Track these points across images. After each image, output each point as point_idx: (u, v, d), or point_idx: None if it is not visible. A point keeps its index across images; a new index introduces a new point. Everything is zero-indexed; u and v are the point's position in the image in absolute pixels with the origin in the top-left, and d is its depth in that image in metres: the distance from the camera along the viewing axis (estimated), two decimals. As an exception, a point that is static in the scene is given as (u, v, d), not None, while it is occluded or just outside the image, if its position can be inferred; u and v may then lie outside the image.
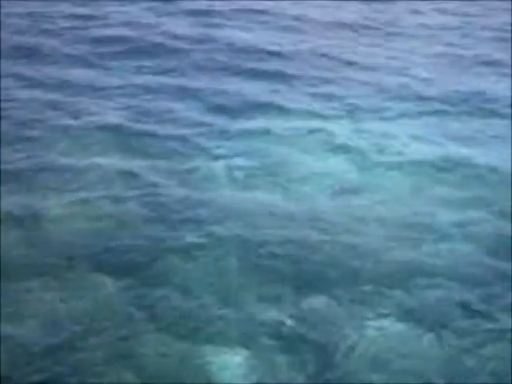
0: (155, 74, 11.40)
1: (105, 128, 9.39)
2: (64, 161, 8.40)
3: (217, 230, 7.10)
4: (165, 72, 11.46)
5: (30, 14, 14.08)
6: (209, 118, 9.76)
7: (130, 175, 8.15)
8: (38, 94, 10.44)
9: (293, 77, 11.31)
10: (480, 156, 8.86)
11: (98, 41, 12.74)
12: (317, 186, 8.03)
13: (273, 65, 11.84)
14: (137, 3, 15.06)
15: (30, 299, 6.04)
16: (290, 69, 11.68)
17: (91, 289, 6.18)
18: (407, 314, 5.99)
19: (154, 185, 7.96)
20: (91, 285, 6.24)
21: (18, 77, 11.01)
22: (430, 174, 8.46)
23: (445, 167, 8.62)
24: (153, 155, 8.70)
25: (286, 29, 13.72)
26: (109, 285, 6.25)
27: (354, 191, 7.96)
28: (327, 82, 11.19)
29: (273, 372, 5.37)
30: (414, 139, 9.32)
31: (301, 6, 15.32)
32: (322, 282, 6.38)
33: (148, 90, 10.71)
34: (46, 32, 13.09)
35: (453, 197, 7.93)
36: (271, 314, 5.96)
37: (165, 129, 9.41)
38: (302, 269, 6.53)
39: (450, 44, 13.18)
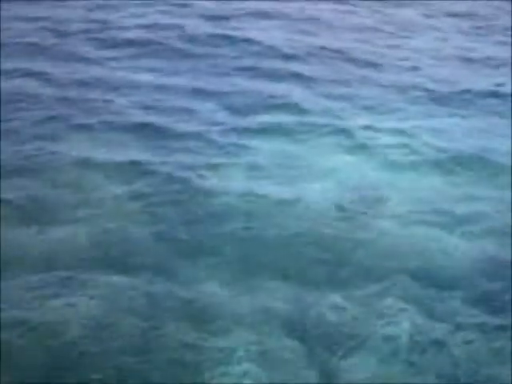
0: (172, 74, 11.49)
1: (123, 125, 9.51)
2: (82, 157, 8.50)
3: (232, 226, 7.18)
4: (181, 73, 11.54)
5: (46, 18, 14.17)
6: (226, 117, 9.86)
7: (148, 171, 8.25)
8: (56, 92, 10.55)
9: (309, 78, 11.39)
10: (494, 153, 8.95)
11: (115, 43, 12.83)
12: (333, 183, 8.11)
13: (289, 66, 11.92)
14: (152, 6, 15.15)
15: (40, 296, 6.08)
16: (305, 70, 11.76)
17: (104, 286, 6.24)
18: (422, 309, 6.07)
19: (172, 181, 8.04)
20: (104, 282, 6.29)
21: (36, 76, 11.12)
22: (445, 171, 8.56)
23: (460, 164, 8.71)
24: (171, 152, 8.80)
25: (300, 31, 13.78)
26: (123, 282, 6.30)
27: (370, 188, 8.05)
28: (342, 82, 11.27)
29: (285, 370, 5.42)
30: (429, 137, 9.41)
31: (314, 9, 15.36)
32: (337, 278, 6.45)
33: (165, 89, 10.80)
34: (63, 34, 13.20)
35: (468, 194, 8.00)
36: (286, 310, 6.02)
37: (182, 126, 9.50)
38: (316, 265, 6.60)
39: (461, 45, 13.23)
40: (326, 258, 6.70)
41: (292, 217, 7.38)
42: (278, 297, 6.18)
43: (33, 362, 5.40)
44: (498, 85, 11.29)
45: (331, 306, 6.08)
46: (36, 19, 13.96)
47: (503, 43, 13.29)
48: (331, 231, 7.13)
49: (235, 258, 6.68)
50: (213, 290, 6.23)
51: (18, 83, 10.83)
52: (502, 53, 12.80)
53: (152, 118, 9.74)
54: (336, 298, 6.19)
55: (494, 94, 10.92)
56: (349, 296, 6.22)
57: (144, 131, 9.35)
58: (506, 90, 11.05)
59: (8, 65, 11.48)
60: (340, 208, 7.57)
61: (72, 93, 10.55)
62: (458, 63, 12.27)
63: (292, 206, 7.58)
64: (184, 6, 15.23)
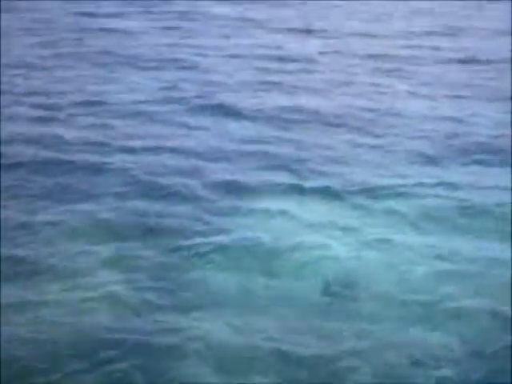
0: (174, 139, 11.82)
1: (127, 188, 9.79)
2: (83, 222, 8.70)
3: (230, 288, 7.33)
4: (183, 138, 11.86)
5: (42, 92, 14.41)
6: (227, 178, 10.13)
7: (150, 234, 8.47)
8: (56, 158, 10.84)
9: (307, 143, 11.63)
10: (492, 211, 9.12)
11: (113, 114, 13.11)
12: (330, 244, 8.22)
13: (287, 133, 12.21)
14: (151, 79, 15.48)
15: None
16: (302, 136, 12.01)
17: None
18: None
19: (174, 246, 8.20)
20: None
21: (35, 142, 11.44)
22: (445, 231, 8.68)
23: (459, 223, 8.90)
24: (175, 216, 9.01)
25: (296, 99, 14.10)
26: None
27: (366, 249, 8.14)
28: (337, 147, 11.52)
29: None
30: (425, 199, 9.53)
31: (307, 82, 15.68)
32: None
33: (166, 152, 11.17)
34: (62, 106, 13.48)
35: (465, 253, 8.10)
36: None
37: (184, 187, 9.77)
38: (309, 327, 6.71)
39: (454, 110, 13.54)
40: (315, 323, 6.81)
41: (286, 282, 7.50)
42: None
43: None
44: (497, 150, 11.44)
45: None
46: (30, 93, 14.17)
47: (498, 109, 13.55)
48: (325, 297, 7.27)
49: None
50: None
51: (19, 150, 11.06)
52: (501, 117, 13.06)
53: (154, 180, 10.01)
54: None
55: (492, 157, 11.13)
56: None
57: (147, 193, 9.60)
58: (505, 154, 11.22)
59: (7, 132, 11.75)
60: (337, 271, 7.65)
61: (74, 158, 10.81)
62: (452, 127, 12.51)
63: (286, 271, 7.70)
64: (184, 80, 15.50)
